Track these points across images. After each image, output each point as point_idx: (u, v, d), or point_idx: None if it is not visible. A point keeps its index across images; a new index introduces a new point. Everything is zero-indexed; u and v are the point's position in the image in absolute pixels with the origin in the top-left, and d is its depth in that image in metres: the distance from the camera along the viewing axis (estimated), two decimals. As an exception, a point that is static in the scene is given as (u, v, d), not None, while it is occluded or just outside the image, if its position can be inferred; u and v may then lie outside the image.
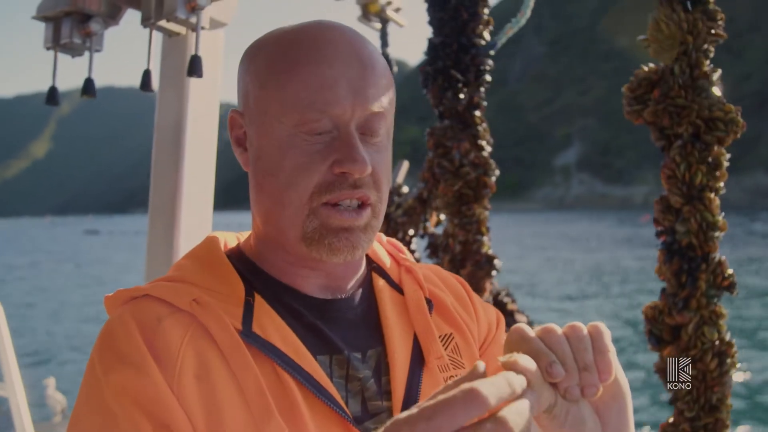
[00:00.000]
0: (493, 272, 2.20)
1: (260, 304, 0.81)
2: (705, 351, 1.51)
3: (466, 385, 0.51)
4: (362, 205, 0.82)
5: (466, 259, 2.18)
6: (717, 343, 1.52)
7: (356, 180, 0.81)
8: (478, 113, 2.19)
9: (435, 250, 2.52)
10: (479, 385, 0.51)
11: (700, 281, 1.53)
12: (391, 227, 2.77)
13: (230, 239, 0.93)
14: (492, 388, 0.52)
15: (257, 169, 0.85)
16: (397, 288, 0.93)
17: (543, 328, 0.67)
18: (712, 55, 1.57)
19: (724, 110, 1.53)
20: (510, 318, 2.23)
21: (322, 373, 0.78)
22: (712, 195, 1.54)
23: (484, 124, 2.21)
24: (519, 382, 0.55)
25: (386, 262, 0.96)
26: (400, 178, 3.03)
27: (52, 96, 2.00)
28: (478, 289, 2.15)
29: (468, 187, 2.14)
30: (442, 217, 2.57)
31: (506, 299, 2.36)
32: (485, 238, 2.19)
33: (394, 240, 1.02)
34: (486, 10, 2.20)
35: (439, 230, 2.60)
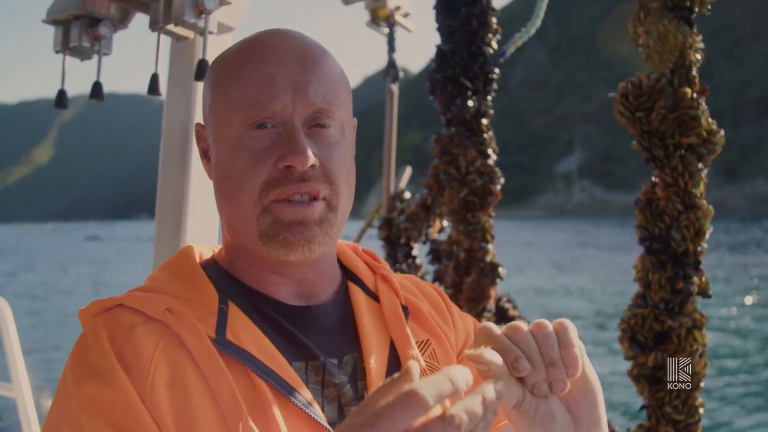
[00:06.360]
0: (498, 280, 2.21)
1: (234, 312, 0.81)
2: (693, 354, 1.53)
3: (405, 386, 0.51)
4: (314, 200, 0.82)
5: (471, 267, 2.18)
6: (702, 346, 1.55)
7: (303, 173, 0.81)
8: (485, 121, 2.20)
9: (437, 256, 2.53)
10: (417, 386, 0.51)
11: (694, 286, 1.56)
12: (394, 233, 2.78)
13: (205, 251, 0.94)
14: (430, 387, 0.51)
15: (216, 175, 0.86)
16: (373, 296, 0.93)
17: (509, 325, 0.68)
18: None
19: (712, 127, 1.58)
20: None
21: (297, 379, 0.78)
22: (706, 203, 1.58)
23: (491, 132, 2.22)
24: (463, 378, 0.54)
25: (362, 270, 0.96)
26: (403, 184, 3.05)
27: (61, 99, 2.01)
28: (483, 297, 2.16)
29: (474, 195, 2.15)
30: (445, 223, 2.58)
31: (507, 305, 2.36)
32: (490, 246, 2.20)
33: (369, 249, 1.03)
34: (494, 19, 2.21)
35: (443, 237, 2.61)
